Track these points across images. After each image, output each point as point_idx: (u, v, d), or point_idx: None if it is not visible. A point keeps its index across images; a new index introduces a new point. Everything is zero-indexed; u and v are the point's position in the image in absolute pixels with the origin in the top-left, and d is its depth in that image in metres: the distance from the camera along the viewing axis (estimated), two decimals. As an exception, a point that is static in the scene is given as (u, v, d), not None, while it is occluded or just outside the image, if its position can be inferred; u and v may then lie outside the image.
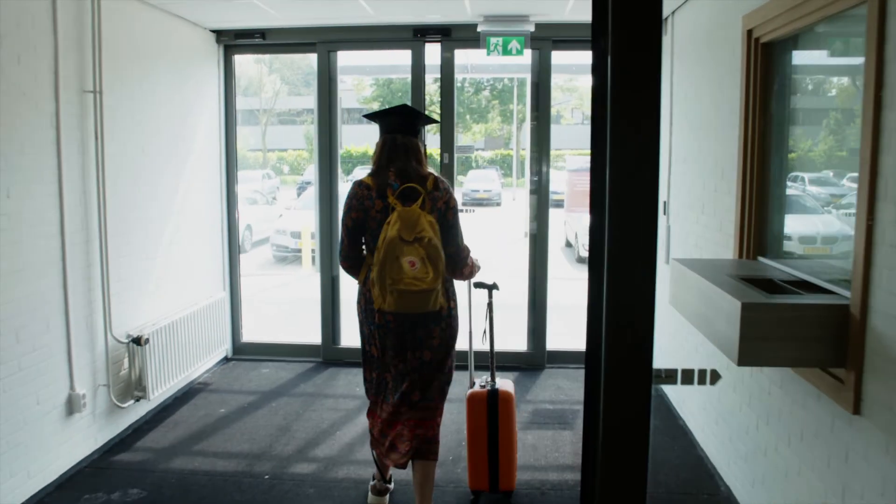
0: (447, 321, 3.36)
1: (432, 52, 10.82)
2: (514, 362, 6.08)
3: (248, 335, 6.39)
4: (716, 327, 2.95)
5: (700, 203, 4.45)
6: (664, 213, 5.37)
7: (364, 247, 3.37)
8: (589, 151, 1.31)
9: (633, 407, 1.29)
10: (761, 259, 3.59)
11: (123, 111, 4.53)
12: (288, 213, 16.36)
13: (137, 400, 4.66)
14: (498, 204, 28.57)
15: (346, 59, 10.57)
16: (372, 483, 3.74)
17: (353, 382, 5.66)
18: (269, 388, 5.53)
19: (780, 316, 2.54)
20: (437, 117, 3.90)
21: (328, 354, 6.19)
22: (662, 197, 5.45)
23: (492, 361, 3.79)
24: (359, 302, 3.42)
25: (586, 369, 1.37)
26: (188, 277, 5.49)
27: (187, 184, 5.47)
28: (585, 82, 43.08)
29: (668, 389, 5.25)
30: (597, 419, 1.31)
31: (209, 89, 5.82)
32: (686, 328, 4.65)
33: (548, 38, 5.78)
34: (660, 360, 5.38)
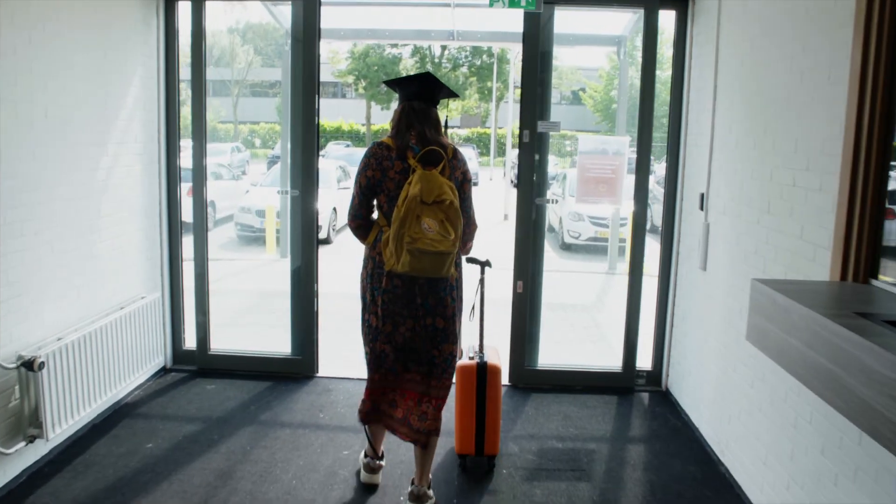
0: (456, 291, 3.34)
1: (419, 16, 9.79)
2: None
3: (192, 340, 5.30)
4: (851, 391, 1.96)
5: (764, 200, 3.47)
6: (701, 209, 4.39)
7: (375, 209, 3.31)
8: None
9: None
10: (876, 282, 2.62)
11: (17, 61, 3.42)
12: (255, 189, 15.21)
13: (31, 441, 3.59)
14: (475, 184, 27.77)
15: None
16: (364, 461, 3.67)
17: (318, 405, 4.64)
18: (211, 413, 4.49)
19: None
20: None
21: (293, 367, 5.15)
22: (699, 188, 4.47)
23: (481, 334, 3.93)
24: (365, 266, 3.36)
25: None
26: (110, 276, 4.42)
27: (112, 157, 4.38)
28: (566, 60, 42.13)
29: (704, 427, 4.30)
30: None
31: (142, 43, 4.69)
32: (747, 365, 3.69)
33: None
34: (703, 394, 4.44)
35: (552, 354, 5.38)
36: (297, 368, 5.15)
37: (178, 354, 5.25)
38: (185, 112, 5.01)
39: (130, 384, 4.62)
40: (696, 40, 4.65)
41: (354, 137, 43.35)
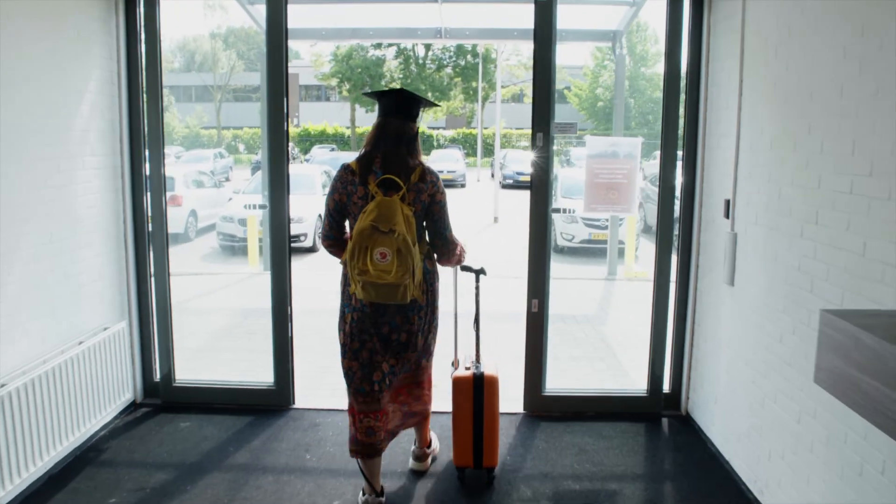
0: (426, 310, 3.35)
1: (405, 13, 9.31)
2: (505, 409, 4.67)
3: (168, 368, 4.78)
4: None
5: (810, 209, 3.03)
6: (726, 217, 3.94)
7: (347, 227, 3.35)
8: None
9: None
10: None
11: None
12: (238, 197, 14.70)
13: (-35, 508, 3.11)
14: (462, 185, 27.48)
15: (296, 16, 8.92)
16: (363, 498, 3.49)
17: (304, 443, 4.16)
18: (184, 458, 3.99)
19: None
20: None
21: (280, 398, 4.67)
22: (723, 194, 4.02)
23: (477, 344, 3.87)
24: (341, 282, 3.38)
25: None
26: (65, 308, 3.93)
27: (65, 173, 3.89)
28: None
29: (737, 463, 3.85)
30: None
31: (99, 44, 4.20)
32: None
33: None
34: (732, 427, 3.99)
35: (559, 375, 4.94)
36: (274, 400, 4.66)
37: (150, 387, 4.75)
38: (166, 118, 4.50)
39: (94, 425, 4.13)
40: (714, 30, 4.20)
41: (339, 140, 42.85)
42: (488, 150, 40.52)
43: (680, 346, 4.63)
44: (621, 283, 9.42)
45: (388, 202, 3.06)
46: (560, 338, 6.64)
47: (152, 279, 4.60)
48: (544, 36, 4.24)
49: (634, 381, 5.42)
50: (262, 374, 4.76)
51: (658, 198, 4.41)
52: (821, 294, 2.94)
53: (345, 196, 3.22)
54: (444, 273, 3.63)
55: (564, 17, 8.60)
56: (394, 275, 3.02)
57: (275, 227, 4.46)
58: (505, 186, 21.80)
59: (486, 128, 39.35)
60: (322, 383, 5.19)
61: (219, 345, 6.44)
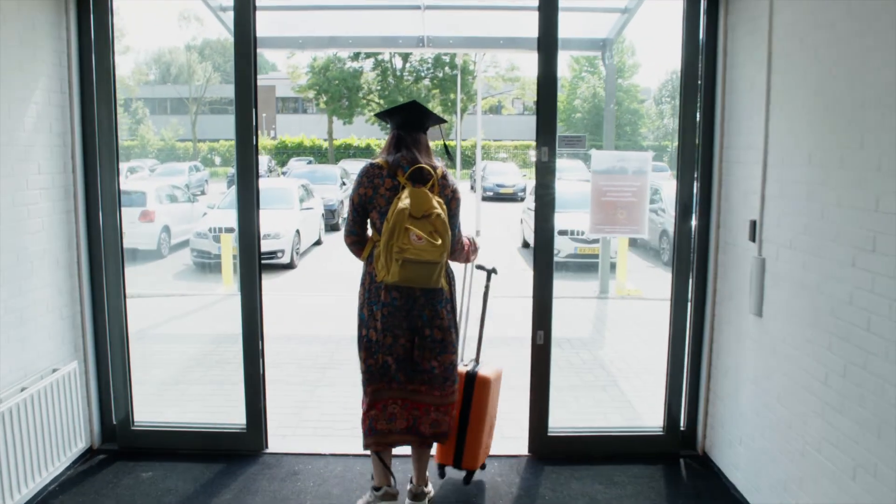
0: (451, 304, 3.40)
1: (385, 21, 8.90)
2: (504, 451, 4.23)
3: (125, 410, 4.28)
4: None
5: (865, 235, 2.63)
6: (752, 240, 3.54)
7: (370, 225, 3.40)
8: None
9: None
10: None
11: None
12: (212, 212, 14.16)
13: None
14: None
15: (272, 25, 8.48)
16: (376, 493, 3.50)
17: (282, 496, 3.67)
18: (145, 517, 3.52)
19: None
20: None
21: (252, 443, 4.18)
22: (746, 214, 3.63)
23: (479, 343, 3.89)
24: (362, 283, 3.39)
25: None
26: (6, 348, 3.43)
27: (6, 192, 3.41)
28: (529, 71, 41.63)
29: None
30: None
31: (45, 49, 3.74)
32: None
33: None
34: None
35: (559, 408, 4.54)
36: (246, 444, 4.17)
37: (108, 430, 4.25)
38: (136, 131, 4.02)
39: (43, 479, 3.64)
40: (732, 33, 3.82)
41: (317, 153, 42.34)
42: (467, 162, 40.24)
43: (696, 378, 4.22)
44: (614, 301, 9.03)
45: (421, 191, 3.18)
46: (556, 364, 6.21)
47: (107, 310, 4.11)
48: (549, 44, 3.82)
49: (641, 415, 5.01)
50: (234, 412, 4.29)
51: (675, 217, 4.01)
52: (881, 332, 2.54)
53: (370, 189, 3.28)
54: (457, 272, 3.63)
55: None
56: (437, 252, 3.10)
57: (244, 246, 4.00)
58: (485, 199, 21.43)
59: (464, 139, 39.04)
60: (301, 422, 4.72)
61: (188, 376, 5.94)
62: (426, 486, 3.61)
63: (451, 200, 3.35)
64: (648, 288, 9.75)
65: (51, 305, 3.81)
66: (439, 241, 3.12)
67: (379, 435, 3.36)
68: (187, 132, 44.03)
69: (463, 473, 3.82)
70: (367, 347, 3.35)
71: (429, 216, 3.14)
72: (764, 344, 3.47)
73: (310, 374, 5.70)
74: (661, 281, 11.22)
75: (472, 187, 30.66)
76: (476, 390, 3.62)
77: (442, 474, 3.85)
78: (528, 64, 42.34)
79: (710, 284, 4.08)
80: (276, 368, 5.83)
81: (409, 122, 3.40)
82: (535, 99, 3.78)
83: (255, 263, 3.99)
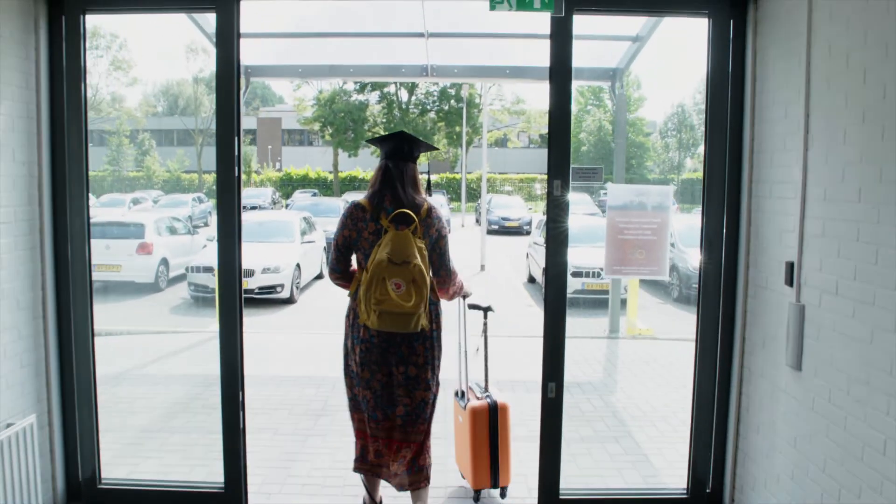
0: (430, 341, 3.43)
1: (380, 49, 8.64)
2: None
3: (91, 467, 3.89)
4: None
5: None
6: (789, 284, 3.17)
7: (356, 263, 3.50)
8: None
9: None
10: None
11: None
12: (212, 244, 13.82)
13: None
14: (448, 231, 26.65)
15: (272, 53, 8.22)
16: None
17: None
18: None
19: None
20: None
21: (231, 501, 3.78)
22: (783, 255, 3.26)
23: (486, 376, 4.14)
24: (347, 315, 3.48)
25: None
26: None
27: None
28: (535, 104, 41.63)
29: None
30: None
31: (10, 69, 3.42)
32: None
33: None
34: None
35: (569, 462, 4.17)
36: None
37: (74, 489, 3.85)
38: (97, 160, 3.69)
39: (-8, 548, 3.24)
40: (762, 56, 3.49)
41: (322, 185, 42.20)
42: (472, 195, 40.01)
43: (722, 435, 3.82)
44: (625, 341, 8.62)
45: (403, 236, 3.23)
46: (566, 413, 5.81)
47: (74, 356, 3.74)
48: (562, 73, 3.48)
49: (659, 471, 4.59)
50: (216, 466, 3.85)
51: (701, 257, 3.64)
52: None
53: (354, 232, 3.38)
54: (449, 309, 3.70)
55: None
56: (412, 304, 3.18)
57: (224, 284, 3.64)
58: (490, 232, 21.13)
59: (469, 172, 38.88)
60: (288, 477, 4.31)
61: (171, 423, 5.54)
62: None
63: (438, 240, 3.41)
64: (660, 327, 9.35)
65: (9, 352, 3.44)
66: (415, 296, 3.18)
67: (367, 464, 3.52)
68: (193, 163, 44.03)
69: (497, 491, 4.09)
70: (350, 377, 3.50)
71: (408, 263, 3.18)
72: (804, 401, 3.08)
73: (301, 422, 5.30)
74: (672, 319, 10.83)
75: (478, 220, 30.37)
76: (500, 417, 3.92)
77: (476, 498, 4.03)
78: (533, 96, 42.37)
79: (737, 330, 3.70)
80: (265, 415, 5.44)
81: (397, 151, 3.43)
82: (545, 131, 3.45)
83: (236, 305, 3.63)
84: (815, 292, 2.98)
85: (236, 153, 3.55)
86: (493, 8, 3.15)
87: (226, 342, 3.64)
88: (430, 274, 3.38)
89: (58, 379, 3.75)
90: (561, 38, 3.49)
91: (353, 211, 3.38)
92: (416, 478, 3.46)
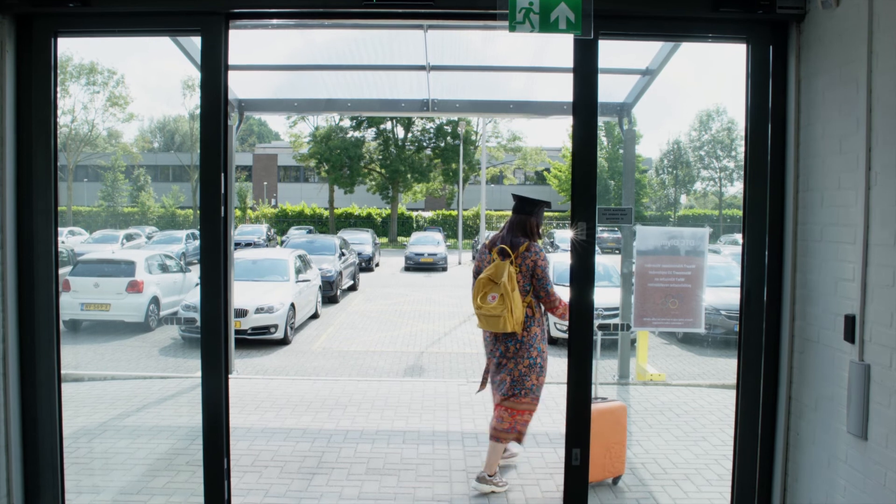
0: (520, 343, 4.66)
1: (380, 83, 8.36)
2: None
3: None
4: None
5: None
6: (849, 340, 2.79)
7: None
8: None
9: None
10: None
11: None
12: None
13: None
14: (444, 269, 26.41)
15: (268, 87, 7.93)
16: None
17: None
18: None
19: None
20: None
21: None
22: (840, 306, 2.89)
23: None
24: None
25: None
26: None
27: None
28: (531, 141, 41.60)
29: None
30: None
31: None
32: None
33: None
34: None
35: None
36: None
37: (37, 567, 3.42)
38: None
39: None
40: (809, 85, 3.16)
41: (317, 221, 41.92)
42: (468, 232, 39.72)
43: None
44: (635, 388, 8.19)
45: (501, 264, 4.54)
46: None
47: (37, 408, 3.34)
48: (587, 107, 3.16)
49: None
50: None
51: (740, 306, 3.26)
52: None
53: (481, 263, 4.84)
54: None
55: (561, 88, 7.70)
56: (497, 310, 4.47)
57: (206, 330, 3.26)
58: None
59: (465, 209, 38.66)
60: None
61: (151, 484, 5.06)
62: (490, 476, 4.68)
63: (534, 269, 4.62)
64: (667, 370, 8.93)
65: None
66: (500, 306, 4.46)
67: (490, 428, 4.78)
68: (188, 199, 43.78)
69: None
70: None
71: (498, 283, 4.49)
72: (872, 476, 2.68)
73: (294, 483, 4.85)
74: (679, 361, 10.42)
75: (475, 257, 30.08)
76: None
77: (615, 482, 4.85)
78: (530, 133, 42.45)
79: (782, 390, 3.31)
80: (255, 474, 5.00)
81: (515, 207, 4.83)
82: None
83: (220, 343, 3.24)
84: (885, 351, 2.61)
85: (222, 191, 3.18)
86: (512, 29, 2.81)
87: (208, 389, 3.24)
88: (532, 295, 4.62)
89: (19, 438, 3.33)
90: (585, 71, 3.17)
91: (482, 248, 4.92)
92: (498, 431, 4.66)
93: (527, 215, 4.72)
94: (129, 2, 3.26)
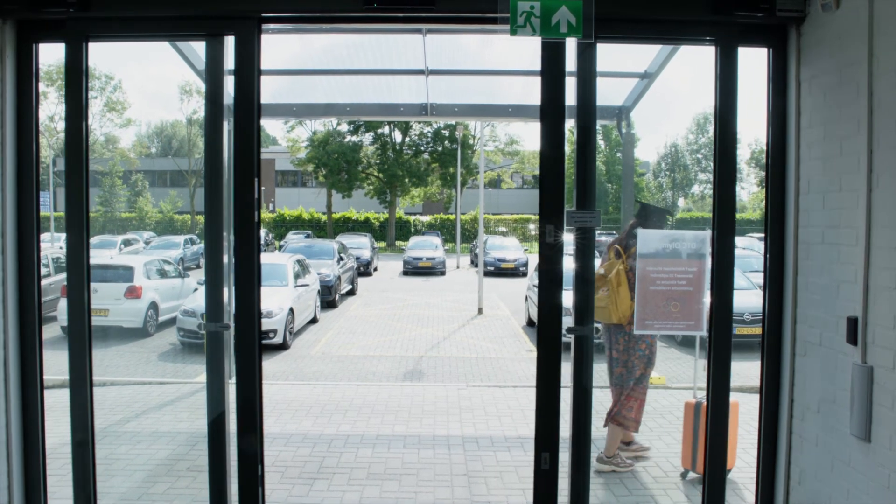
0: (627, 336, 5.09)
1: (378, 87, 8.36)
2: None
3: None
4: None
5: None
6: (852, 342, 2.79)
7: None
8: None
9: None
10: None
11: None
12: (203, 288, 13.39)
13: None
14: (442, 273, 26.43)
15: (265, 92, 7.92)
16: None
17: None
18: None
19: None
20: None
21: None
22: (841, 308, 2.89)
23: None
24: None
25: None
26: None
27: None
28: (528, 145, 41.65)
29: None
30: None
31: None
32: None
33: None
34: None
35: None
36: None
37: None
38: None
39: None
40: (809, 87, 3.16)
41: (315, 226, 41.93)
42: (466, 236, 39.74)
43: (768, 508, 3.41)
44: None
45: (612, 262, 4.96)
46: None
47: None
48: (554, 111, 3.23)
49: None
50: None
51: (763, 307, 3.26)
52: None
53: (603, 261, 5.17)
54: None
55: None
56: (603, 300, 4.92)
57: (242, 339, 3.30)
58: (487, 274, 20.78)
59: (463, 213, 38.68)
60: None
61: (153, 490, 5.06)
62: (608, 458, 5.19)
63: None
64: (667, 373, 8.94)
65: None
66: (608, 297, 4.91)
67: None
68: (186, 204, 43.76)
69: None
70: None
71: (607, 279, 4.94)
72: (876, 478, 2.68)
73: (295, 488, 4.85)
74: (679, 364, 10.41)
75: (472, 261, 30.00)
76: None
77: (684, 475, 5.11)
78: (527, 136, 42.52)
79: (784, 392, 3.32)
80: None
81: (637, 213, 5.33)
82: (538, 171, 3.11)
83: (255, 361, 3.23)
84: (888, 353, 2.61)
85: (256, 196, 3.21)
86: (514, 33, 2.82)
87: (243, 396, 3.23)
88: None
89: (20, 455, 3.32)
90: (552, 74, 3.20)
91: (606, 249, 5.27)
92: (612, 417, 5.15)
93: (644, 220, 5.15)
94: (158, 5, 3.28)
